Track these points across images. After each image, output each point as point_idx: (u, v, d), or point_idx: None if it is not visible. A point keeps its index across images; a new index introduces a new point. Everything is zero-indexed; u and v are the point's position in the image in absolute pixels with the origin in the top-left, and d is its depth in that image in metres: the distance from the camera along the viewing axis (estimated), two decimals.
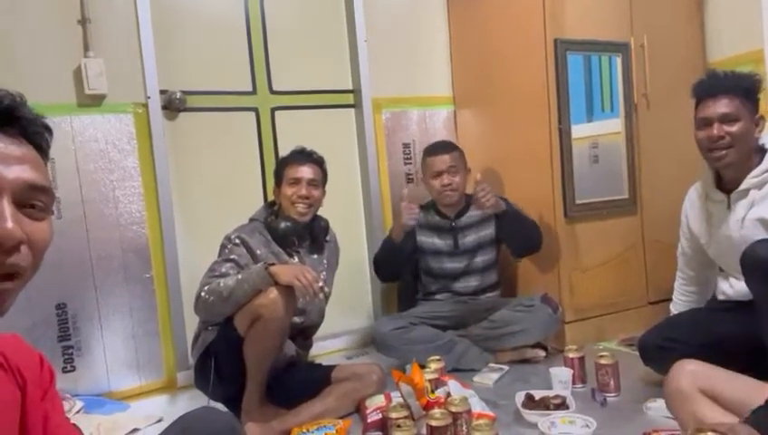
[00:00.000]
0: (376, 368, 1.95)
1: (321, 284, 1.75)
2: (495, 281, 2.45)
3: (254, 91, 2.57)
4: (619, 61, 2.48)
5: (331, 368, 1.98)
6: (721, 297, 1.82)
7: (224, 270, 1.82)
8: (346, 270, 2.70)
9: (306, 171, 1.99)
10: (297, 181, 1.98)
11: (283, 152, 2.60)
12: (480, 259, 2.37)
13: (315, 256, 2.07)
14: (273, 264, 1.77)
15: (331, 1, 2.72)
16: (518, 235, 2.32)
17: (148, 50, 2.27)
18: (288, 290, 1.73)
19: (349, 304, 2.74)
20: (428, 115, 2.85)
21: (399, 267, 2.40)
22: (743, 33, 2.56)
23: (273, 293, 1.71)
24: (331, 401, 1.83)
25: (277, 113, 2.62)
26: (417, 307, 2.41)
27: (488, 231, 2.37)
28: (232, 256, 1.86)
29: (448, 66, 2.89)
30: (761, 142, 1.69)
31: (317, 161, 2.04)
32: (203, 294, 1.78)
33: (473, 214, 2.38)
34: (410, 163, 2.80)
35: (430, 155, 2.38)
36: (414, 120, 2.83)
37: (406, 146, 2.79)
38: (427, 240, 2.39)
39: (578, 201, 2.39)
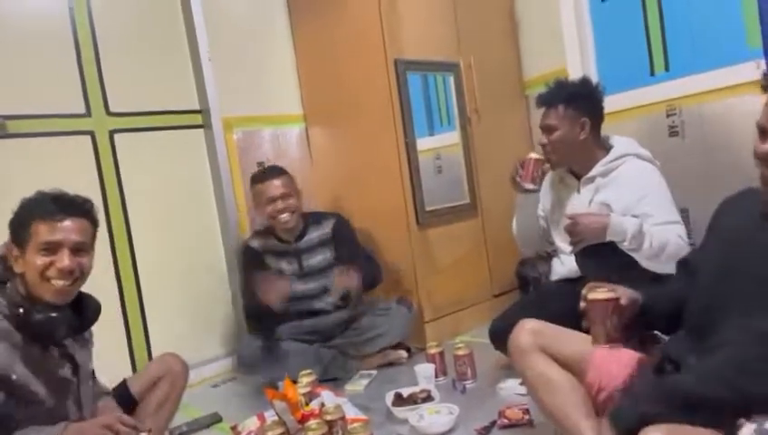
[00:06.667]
0: (167, 358, 1.71)
1: (146, 431, 1.36)
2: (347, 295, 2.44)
3: (87, 114, 2.38)
4: (452, 79, 2.73)
5: (124, 388, 1.64)
6: (554, 278, 2.06)
7: None
8: (206, 299, 2.62)
9: (69, 231, 1.34)
10: (53, 249, 1.33)
11: (128, 179, 2.47)
12: (331, 279, 2.33)
13: (84, 349, 1.50)
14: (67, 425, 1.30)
15: (168, 15, 2.61)
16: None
17: None
18: None
19: (210, 333, 2.64)
20: (281, 133, 2.87)
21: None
22: (550, 53, 2.92)
23: None
24: (154, 413, 1.61)
25: (117, 137, 2.45)
26: (281, 326, 2.38)
27: (330, 253, 2.40)
28: None
29: (297, 84, 2.93)
30: (611, 142, 1.93)
31: (86, 213, 1.40)
32: None
33: (312, 236, 2.40)
34: None
35: (260, 182, 2.35)
36: (267, 139, 2.82)
37: (260, 165, 2.76)
38: (274, 265, 2.38)
39: (427, 209, 2.57)
